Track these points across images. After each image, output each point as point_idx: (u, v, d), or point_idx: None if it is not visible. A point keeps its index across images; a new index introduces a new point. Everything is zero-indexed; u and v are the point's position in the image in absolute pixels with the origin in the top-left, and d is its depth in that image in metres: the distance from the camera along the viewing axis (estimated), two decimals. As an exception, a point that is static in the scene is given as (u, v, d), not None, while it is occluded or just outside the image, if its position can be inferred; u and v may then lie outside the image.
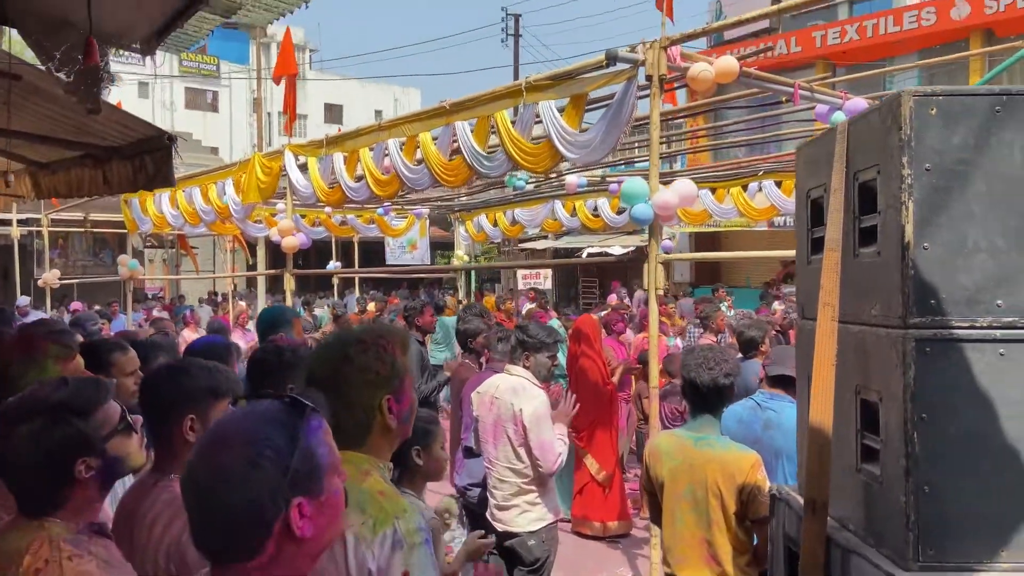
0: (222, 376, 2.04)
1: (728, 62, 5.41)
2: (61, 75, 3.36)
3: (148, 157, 4.27)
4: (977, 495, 1.56)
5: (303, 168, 8.19)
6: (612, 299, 11.49)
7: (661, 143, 10.11)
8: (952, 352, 1.58)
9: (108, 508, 1.99)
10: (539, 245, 20.68)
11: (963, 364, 1.57)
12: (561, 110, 5.74)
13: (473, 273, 17.77)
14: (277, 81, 8.82)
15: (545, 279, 19.13)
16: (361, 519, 1.61)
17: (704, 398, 2.98)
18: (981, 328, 1.58)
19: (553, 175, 11.73)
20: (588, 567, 5.68)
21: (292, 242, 8.26)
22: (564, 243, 20.47)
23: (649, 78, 5.10)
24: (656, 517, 3.18)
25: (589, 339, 6.33)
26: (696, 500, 2.94)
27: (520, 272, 19.25)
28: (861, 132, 1.80)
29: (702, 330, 7.83)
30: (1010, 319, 1.58)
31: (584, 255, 19.73)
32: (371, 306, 13.69)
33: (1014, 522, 1.56)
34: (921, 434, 1.56)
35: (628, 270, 18.33)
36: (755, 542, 2.92)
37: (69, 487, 1.61)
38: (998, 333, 1.57)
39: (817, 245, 2.03)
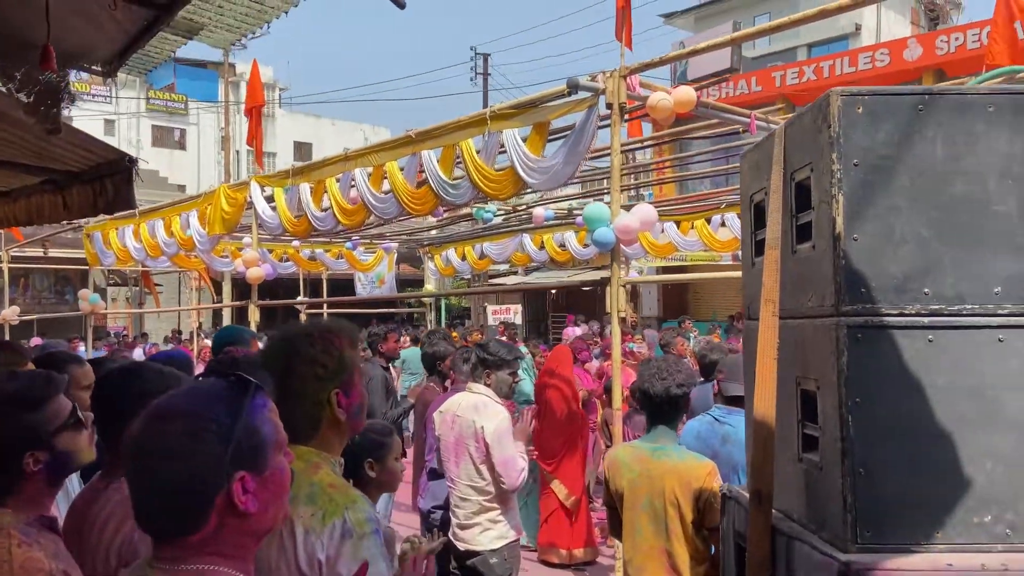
0: (174, 380, 2.03)
1: (686, 91, 5.57)
2: (21, 96, 3.37)
3: (108, 180, 4.23)
4: (910, 477, 1.60)
5: (269, 199, 8.21)
6: (569, 332, 11.50)
7: (627, 174, 10.28)
8: (883, 339, 1.63)
9: (58, 511, 1.97)
10: (508, 281, 20.77)
11: (893, 350, 1.63)
12: (525, 139, 5.85)
13: (444, 309, 17.75)
14: (248, 113, 8.86)
15: (515, 314, 19.15)
16: (311, 511, 1.62)
17: (659, 408, 3.02)
18: (909, 315, 1.64)
19: (522, 207, 11.86)
20: (555, 594, 5.65)
21: (257, 273, 8.24)
22: (533, 279, 20.58)
23: (610, 106, 5.24)
24: (616, 530, 3.19)
25: (559, 368, 6.37)
26: (655, 510, 2.96)
27: (490, 308, 19.27)
28: (796, 133, 1.88)
29: (665, 357, 7.90)
30: (936, 307, 1.64)
31: (553, 291, 19.82)
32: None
33: (946, 503, 1.61)
34: (855, 418, 1.61)
35: (597, 300, 18.43)
36: (712, 551, 2.94)
37: (18, 480, 1.61)
38: (925, 320, 1.63)
39: (760, 247, 2.08)
